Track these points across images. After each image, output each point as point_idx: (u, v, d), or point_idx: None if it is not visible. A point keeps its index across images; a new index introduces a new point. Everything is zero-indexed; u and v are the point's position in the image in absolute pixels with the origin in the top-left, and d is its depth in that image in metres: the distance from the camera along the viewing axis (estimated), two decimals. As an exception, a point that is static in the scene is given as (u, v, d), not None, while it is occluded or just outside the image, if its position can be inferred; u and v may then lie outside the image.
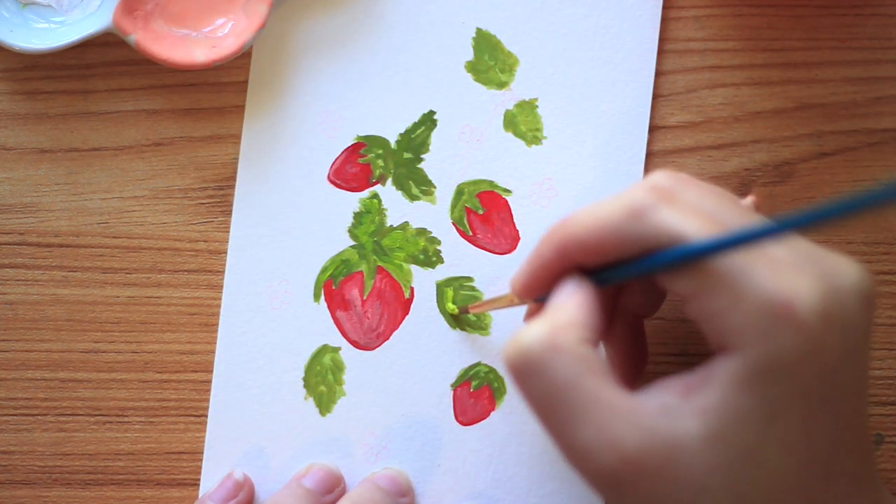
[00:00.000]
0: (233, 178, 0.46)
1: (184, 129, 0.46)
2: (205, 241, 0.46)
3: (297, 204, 0.46)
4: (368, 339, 0.46)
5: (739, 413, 0.31)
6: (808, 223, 0.29)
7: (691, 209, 0.33)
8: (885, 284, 0.46)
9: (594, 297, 0.34)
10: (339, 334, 0.46)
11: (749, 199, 0.38)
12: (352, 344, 0.46)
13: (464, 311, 0.45)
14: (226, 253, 0.46)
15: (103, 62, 0.46)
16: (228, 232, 0.46)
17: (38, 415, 0.46)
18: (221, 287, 0.46)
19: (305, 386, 0.46)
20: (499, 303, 0.41)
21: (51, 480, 0.46)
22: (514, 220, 0.46)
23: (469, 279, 0.46)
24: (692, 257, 0.32)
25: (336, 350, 0.46)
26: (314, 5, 0.46)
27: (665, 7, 0.46)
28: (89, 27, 0.44)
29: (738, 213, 0.34)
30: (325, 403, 0.46)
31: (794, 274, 0.31)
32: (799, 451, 0.32)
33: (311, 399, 0.46)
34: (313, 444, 0.46)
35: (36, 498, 0.46)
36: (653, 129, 0.46)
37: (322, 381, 0.46)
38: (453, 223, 0.46)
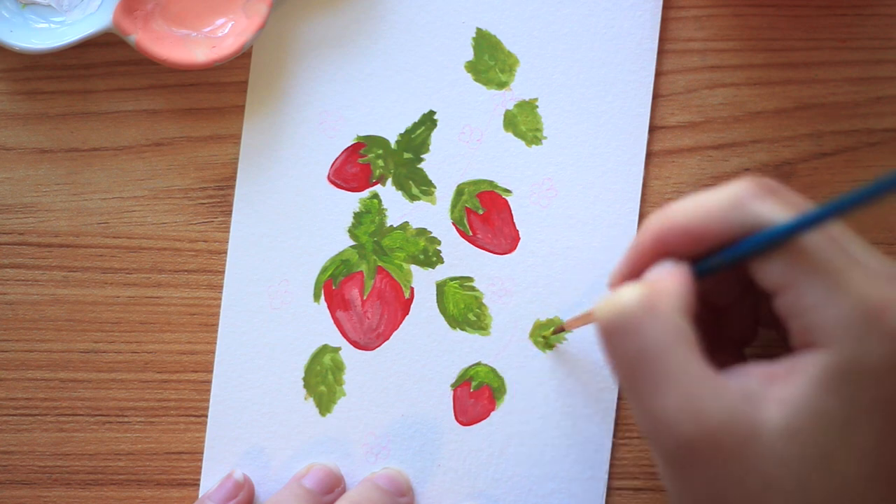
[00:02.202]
0: (233, 178, 0.46)
1: (184, 129, 0.46)
2: (205, 241, 0.46)
3: (297, 204, 0.46)
4: (368, 339, 0.46)
5: (820, 411, 0.31)
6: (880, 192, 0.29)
7: (792, 203, 0.33)
8: (885, 284, 0.46)
9: (692, 280, 0.34)
10: (339, 334, 0.46)
11: None
12: (352, 344, 0.46)
13: (559, 330, 0.45)
14: (226, 253, 0.46)
15: (103, 62, 0.46)
16: (228, 232, 0.46)
17: (38, 415, 0.46)
18: (221, 287, 0.46)
19: (305, 386, 0.46)
20: (590, 317, 0.40)
21: (51, 480, 0.46)
22: (514, 220, 0.46)
23: (469, 279, 0.46)
24: (786, 235, 0.32)
25: (336, 350, 0.46)
26: (314, 5, 0.46)
27: (665, 7, 0.46)
28: (89, 27, 0.44)
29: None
30: (325, 403, 0.46)
31: (888, 283, 0.32)
32: (871, 461, 0.31)
33: (311, 399, 0.46)
34: (313, 444, 0.46)
35: (36, 498, 0.46)
36: (653, 129, 0.46)
37: (322, 381, 0.46)
38: (453, 223, 0.46)
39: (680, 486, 0.32)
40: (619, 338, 0.33)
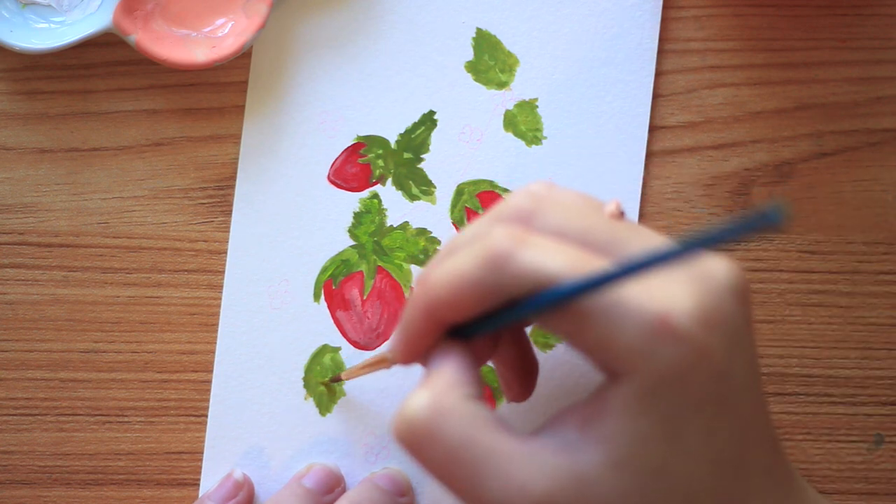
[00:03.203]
0: (233, 178, 0.46)
1: (184, 129, 0.46)
2: (205, 241, 0.46)
3: (297, 204, 0.46)
4: (368, 339, 0.46)
5: (640, 436, 0.31)
6: (677, 255, 0.28)
7: (554, 240, 0.32)
8: (885, 284, 0.46)
9: (468, 352, 0.33)
10: (339, 334, 0.46)
11: (613, 205, 0.35)
12: (352, 344, 0.46)
13: (336, 380, 0.45)
14: (226, 253, 0.46)
15: (103, 62, 0.46)
16: (228, 232, 0.46)
17: (38, 415, 0.46)
18: (221, 287, 0.46)
19: (305, 386, 0.46)
20: (376, 366, 0.40)
21: (51, 480, 0.46)
22: (514, 220, 0.46)
23: (469, 279, 0.46)
24: (560, 300, 0.31)
25: (336, 350, 0.46)
26: (314, 5, 0.46)
27: (665, 7, 0.46)
28: (89, 27, 0.44)
29: (604, 229, 0.32)
30: (325, 403, 0.46)
31: (666, 285, 0.31)
32: (706, 459, 0.31)
33: (311, 399, 0.46)
34: (313, 444, 0.46)
35: (36, 498, 0.46)
36: (653, 129, 0.46)
37: (322, 381, 0.46)
38: (453, 223, 0.46)
39: None
40: (421, 449, 0.32)
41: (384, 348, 0.46)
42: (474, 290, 0.32)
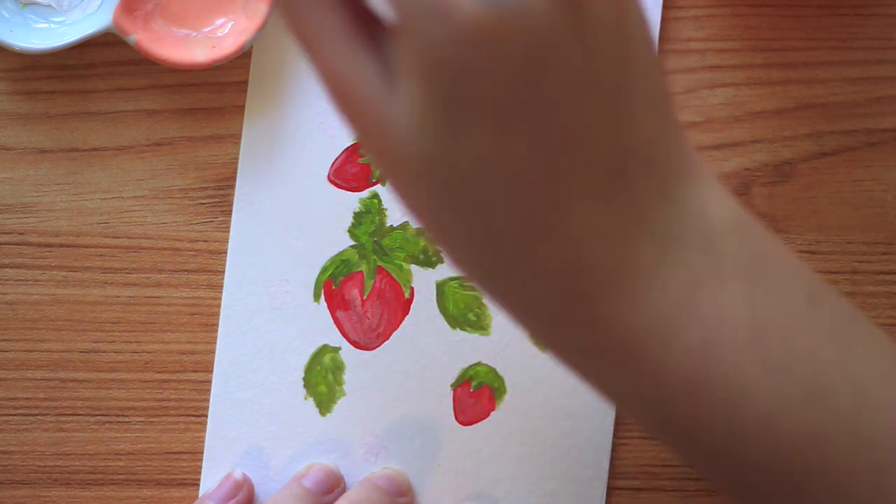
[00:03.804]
0: (233, 178, 0.46)
1: (184, 129, 0.46)
2: (205, 241, 0.46)
3: (297, 204, 0.46)
4: (368, 339, 0.46)
5: (424, 113, 0.27)
6: None
7: None
8: (885, 284, 0.46)
9: None
10: (339, 334, 0.46)
11: None
12: (352, 344, 0.46)
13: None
14: (226, 253, 0.46)
15: (103, 62, 0.46)
16: (228, 232, 0.46)
17: (38, 415, 0.46)
18: (221, 287, 0.46)
19: (305, 386, 0.46)
20: None
21: (51, 480, 0.46)
22: (514, 220, 0.46)
23: (469, 279, 0.46)
24: None
25: (336, 350, 0.46)
26: (314, 5, 0.46)
27: (665, 7, 0.46)
28: (89, 27, 0.44)
29: None
30: (325, 403, 0.46)
31: None
32: (500, 169, 0.27)
33: (311, 399, 0.46)
34: (313, 444, 0.46)
35: (36, 498, 0.46)
36: (653, 129, 0.46)
37: (322, 381, 0.46)
38: (453, 223, 0.46)
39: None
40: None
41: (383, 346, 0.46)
42: None
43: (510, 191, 0.27)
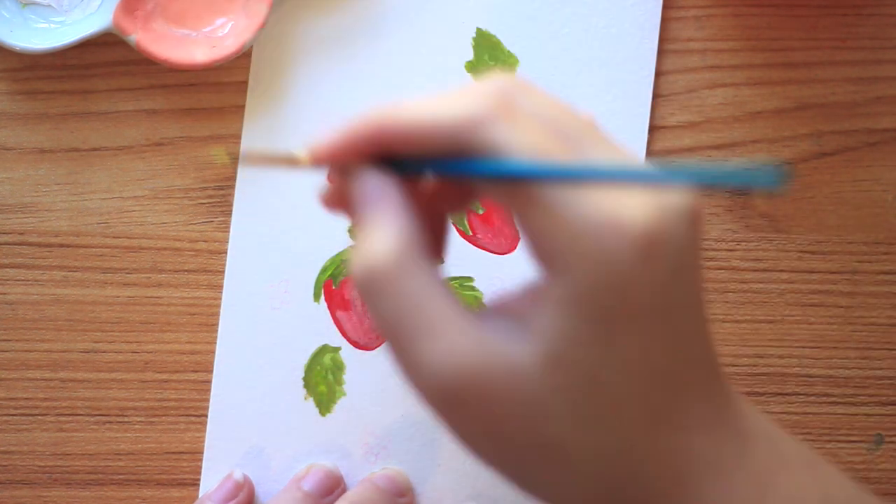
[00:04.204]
0: (233, 178, 0.46)
1: (184, 129, 0.46)
2: (205, 241, 0.46)
3: (297, 204, 0.46)
4: (368, 339, 0.46)
5: (572, 336, 0.30)
6: (653, 178, 0.29)
7: (532, 121, 0.31)
8: (885, 284, 0.46)
9: (409, 193, 0.33)
10: (339, 334, 0.46)
11: (587, 113, 0.35)
12: (352, 344, 0.46)
13: (236, 158, 0.44)
14: (226, 253, 0.46)
15: (103, 62, 0.46)
16: (228, 232, 0.46)
17: (38, 415, 0.46)
18: (221, 287, 0.46)
19: (305, 386, 0.46)
20: (285, 161, 0.37)
21: (51, 480, 0.46)
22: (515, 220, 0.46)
23: (469, 279, 0.46)
24: (522, 176, 0.30)
25: (336, 350, 0.46)
26: (314, 5, 0.46)
27: (665, 7, 0.46)
28: (89, 27, 0.44)
29: (576, 126, 0.32)
30: (325, 403, 0.46)
31: (618, 195, 0.30)
32: (640, 370, 0.31)
33: (311, 399, 0.46)
34: (313, 445, 0.46)
35: (36, 498, 0.46)
36: (653, 129, 0.46)
37: (322, 381, 0.46)
38: (453, 223, 0.46)
39: (456, 429, 0.32)
40: (376, 298, 0.32)
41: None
42: (445, 138, 0.31)
43: (644, 387, 0.31)
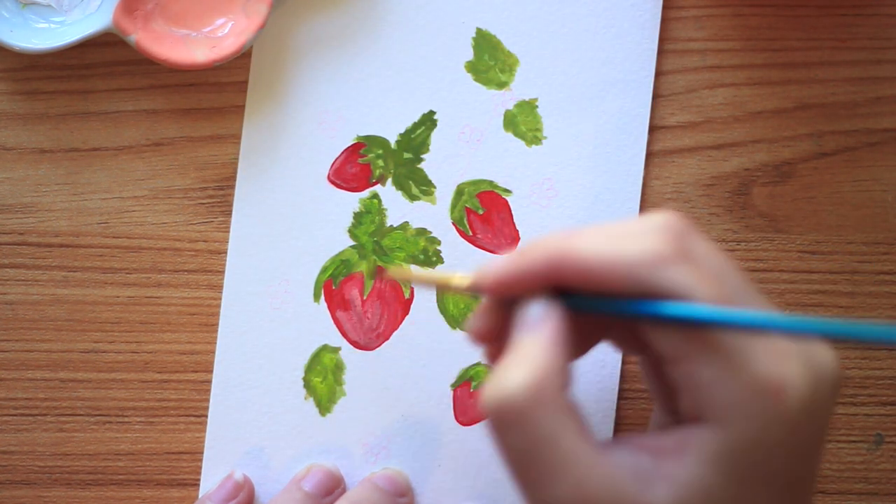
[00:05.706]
0: (233, 178, 0.46)
1: (184, 129, 0.46)
2: (205, 241, 0.46)
3: (297, 204, 0.46)
4: (368, 339, 0.46)
5: (708, 489, 0.31)
6: (829, 333, 0.30)
7: (705, 270, 0.32)
8: (885, 284, 0.46)
9: (569, 327, 0.33)
10: (339, 334, 0.46)
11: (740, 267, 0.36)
12: (352, 344, 0.46)
13: (405, 280, 0.44)
14: (226, 253, 0.46)
15: (103, 62, 0.46)
16: (228, 232, 0.46)
17: (38, 415, 0.46)
18: (221, 287, 0.46)
19: (305, 386, 0.46)
20: (449, 284, 0.37)
21: (51, 480, 0.46)
22: (514, 221, 0.46)
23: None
24: (698, 322, 0.31)
25: (336, 350, 0.46)
26: (314, 5, 0.46)
27: (665, 7, 0.46)
28: (89, 27, 0.44)
29: (739, 277, 0.33)
30: (325, 403, 0.46)
31: (785, 358, 0.31)
32: None
33: (311, 399, 0.46)
34: (313, 445, 0.46)
35: (36, 498, 0.46)
36: (653, 129, 0.46)
37: (322, 381, 0.46)
38: (453, 223, 0.46)
39: None
40: (507, 430, 0.31)
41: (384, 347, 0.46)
42: (623, 275, 0.31)
43: None
